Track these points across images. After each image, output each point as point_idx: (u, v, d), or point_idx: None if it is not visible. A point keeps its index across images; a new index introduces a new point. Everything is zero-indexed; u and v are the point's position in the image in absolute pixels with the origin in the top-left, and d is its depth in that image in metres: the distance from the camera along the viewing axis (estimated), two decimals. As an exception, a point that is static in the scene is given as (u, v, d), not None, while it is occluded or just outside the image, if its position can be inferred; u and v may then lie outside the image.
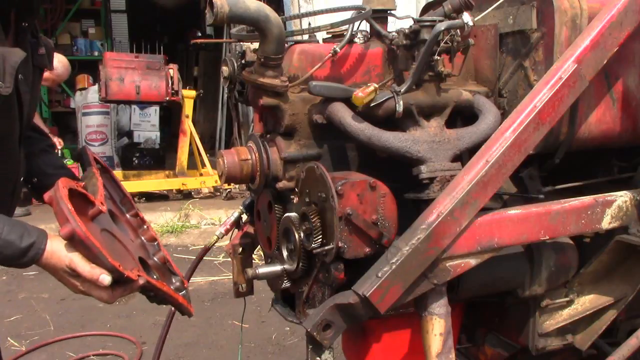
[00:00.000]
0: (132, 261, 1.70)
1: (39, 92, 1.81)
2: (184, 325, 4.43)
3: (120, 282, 1.57)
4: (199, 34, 12.88)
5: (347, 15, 1.98)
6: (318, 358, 1.72)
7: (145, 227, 1.95)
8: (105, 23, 12.23)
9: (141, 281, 1.59)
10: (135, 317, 4.74)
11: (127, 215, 1.92)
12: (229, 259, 2.28)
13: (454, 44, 1.85)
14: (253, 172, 1.90)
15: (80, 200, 1.62)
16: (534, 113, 1.77)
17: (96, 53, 11.62)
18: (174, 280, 1.84)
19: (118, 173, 8.03)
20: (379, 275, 1.64)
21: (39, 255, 1.54)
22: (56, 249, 1.56)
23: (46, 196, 1.55)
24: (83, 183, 1.75)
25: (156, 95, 7.85)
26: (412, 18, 1.91)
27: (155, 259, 1.88)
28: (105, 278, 1.52)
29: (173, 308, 1.86)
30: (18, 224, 1.55)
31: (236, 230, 2.35)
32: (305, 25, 2.10)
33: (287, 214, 1.84)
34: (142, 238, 1.90)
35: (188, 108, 8.39)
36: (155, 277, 1.75)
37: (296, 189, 1.85)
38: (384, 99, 1.82)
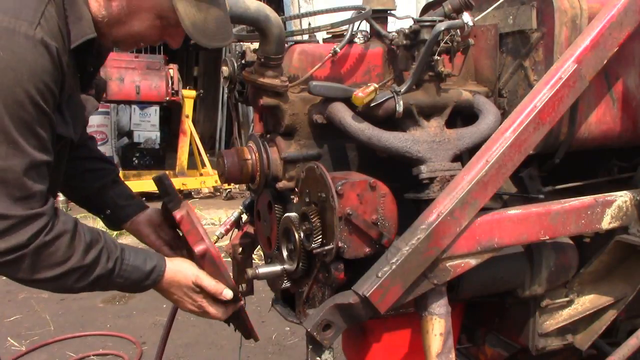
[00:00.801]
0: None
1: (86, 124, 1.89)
2: (184, 325, 4.43)
3: (229, 301, 1.69)
4: (199, 34, 12.85)
5: (347, 15, 1.98)
6: (318, 358, 1.72)
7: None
8: (106, 23, 12.20)
9: (242, 302, 1.73)
10: (135, 317, 4.74)
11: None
12: (229, 259, 2.28)
13: (454, 44, 1.85)
14: (253, 172, 1.90)
15: None
16: (534, 113, 1.77)
17: (96, 53, 11.60)
18: None
19: (118, 173, 8.02)
20: (379, 275, 1.64)
21: (160, 276, 1.63)
22: (181, 268, 1.66)
23: (177, 215, 1.65)
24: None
25: (156, 95, 7.86)
26: (412, 18, 1.91)
27: None
28: (228, 293, 1.65)
29: (237, 328, 1.93)
30: (140, 250, 1.63)
31: (236, 230, 2.35)
32: (305, 25, 2.10)
33: (287, 214, 1.84)
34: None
35: (188, 108, 8.40)
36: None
37: (296, 189, 1.85)
38: (384, 99, 1.82)
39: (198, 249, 1.60)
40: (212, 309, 1.69)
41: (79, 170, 1.93)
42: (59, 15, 1.42)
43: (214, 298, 1.69)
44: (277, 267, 1.90)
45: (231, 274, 2.13)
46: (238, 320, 1.82)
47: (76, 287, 1.50)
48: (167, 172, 8.77)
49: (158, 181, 1.86)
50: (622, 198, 1.95)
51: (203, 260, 1.64)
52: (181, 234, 1.85)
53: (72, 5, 1.45)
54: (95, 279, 1.50)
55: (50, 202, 1.45)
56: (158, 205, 1.94)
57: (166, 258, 1.68)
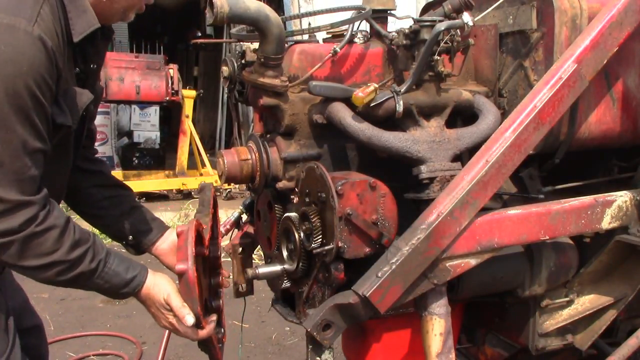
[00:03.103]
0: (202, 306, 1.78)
1: (92, 125, 1.96)
2: (184, 325, 4.44)
3: (198, 325, 1.70)
4: (199, 34, 12.88)
5: (347, 15, 1.98)
6: (318, 358, 1.72)
7: (219, 271, 2.00)
8: (106, 23, 12.21)
9: (205, 334, 1.72)
10: (135, 317, 4.74)
11: (210, 255, 1.99)
12: (229, 259, 2.28)
13: (454, 44, 1.85)
14: (253, 172, 1.90)
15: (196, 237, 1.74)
16: (534, 113, 1.77)
17: (96, 53, 11.59)
18: (216, 332, 1.89)
19: (118, 173, 8.03)
20: (379, 275, 1.64)
21: (140, 287, 1.68)
22: (158, 282, 1.71)
23: (178, 229, 1.69)
24: (208, 224, 1.84)
25: (156, 95, 7.85)
26: (412, 18, 1.91)
27: (214, 304, 1.92)
28: (189, 319, 1.65)
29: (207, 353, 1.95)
30: (125, 259, 1.68)
31: (236, 230, 2.35)
32: (305, 25, 2.10)
33: (287, 214, 1.84)
34: (212, 280, 1.96)
35: (188, 108, 8.40)
36: (216, 331, 1.85)
37: (296, 189, 1.85)
38: (384, 99, 1.82)
39: (179, 267, 1.61)
40: (182, 327, 1.70)
41: (97, 198, 1.98)
42: (53, 14, 1.50)
43: None
44: (277, 267, 1.90)
45: (232, 275, 2.14)
46: (206, 347, 1.84)
47: (57, 280, 1.55)
48: (167, 172, 8.79)
49: (200, 190, 1.93)
50: (622, 198, 1.95)
51: (181, 280, 1.65)
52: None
53: (73, 1, 1.53)
54: (77, 276, 1.55)
55: (44, 193, 1.50)
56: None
57: (150, 271, 1.72)
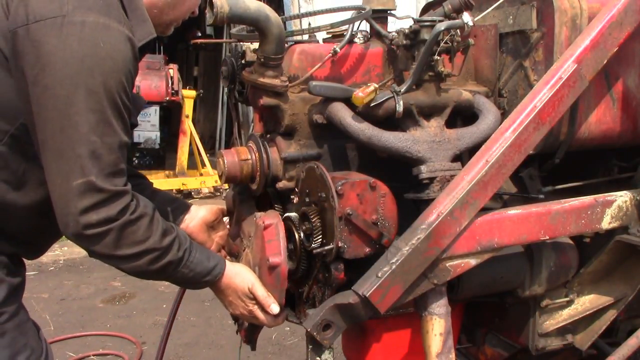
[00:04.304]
0: None
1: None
2: (184, 325, 4.44)
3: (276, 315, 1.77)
4: (199, 34, 12.89)
5: (347, 15, 1.98)
6: (318, 358, 1.72)
7: None
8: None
9: (280, 322, 1.81)
10: (135, 317, 4.75)
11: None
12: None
13: (454, 44, 1.85)
14: (253, 172, 1.90)
15: None
16: (534, 113, 1.77)
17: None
18: None
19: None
20: (379, 275, 1.64)
21: (221, 275, 1.72)
22: (240, 272, 1.77)
23: (267, 221, 1.74)
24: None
25: (156, 95, 7.86)
26: (412, 18, 1.91)
27: None
28: (275, 308, 1.74)
29: (246, 330, 2.07)
30: (204, 248, 1.75)
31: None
32: (305, 25, 2.10)
33: (287, 214, 1.84)
34: None
35: (188, 108, 8.40)
36: None
37: (296, 189, 1.85)
38: (384, 99, 1.82)
39: (274, 259, 1.69)
40: (261, 315, 1.76)
41: None
42: (126, 19, 1.58)
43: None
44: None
45: None
46: (254, 330, 1.96)
47: (147, 270, 1.57)
48: (167, 172, 8.79)
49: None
50: (622, 198, 1.95)
51: (270, 272, 1.71)
52: (249, 238, 1.91)
53: (135, 10, 1.60)
54: (167, 264, 1.58)
55: (130, 185, 1.55)
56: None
57: (227, 261, 1.77)
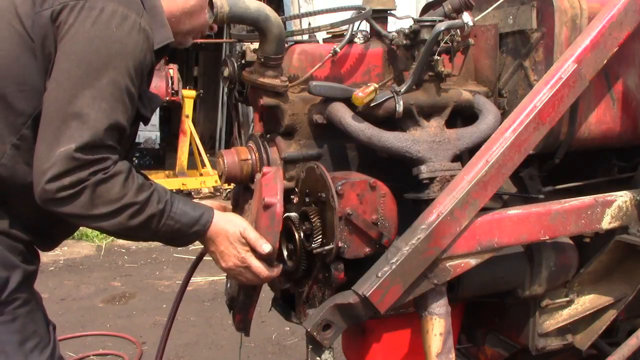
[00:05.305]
0: None
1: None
2: (184, 325, 4.44)
3: (267, 261, 1.72)
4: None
5: (347, 15, 1.98)
6: (318, 358, 1.72)
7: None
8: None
9: (275, 273, 1.74)
10: (135, 317, 4.74)
11: None
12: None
13: (454, 44, 1.85)
14: (253, 172, 1.90)
15: None
16: (534, 113, 1.77)
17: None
18: None
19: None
20: (379, 275, 1.64)
21: (209, 223, 1.66)
22: (231, 218, 1.72)
23: (265, 169, 1.76)
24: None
25: (156, 95, 7.84)
26: (412, 18, 1.91)
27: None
28: (266, 247, 1.67)
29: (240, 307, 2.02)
30: (188, 200, 1.70)
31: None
32: (305, 25, 2.10)
33: (287, 214, 1.83)
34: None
35: (188, 108, 8.40)
36: None
37: (296, 189, 1.85)
38: (384, 99, 1.82)
39: (269, 199, 1.66)
40: (255, 262, 1.69)
41: None
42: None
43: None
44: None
45: None
46: (249, 294, 1.88)
47: (130, 225, 1.55)
48: (167, 172, 8.79)
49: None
50: (622, 198, 1.95)
51: (265, 212, 1.68)
52: (249, 205, 1.89)
53: (155, 15, 1.64)
54: (148, 218, 1.56)
55: (120, 159, 1.55)
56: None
57: (215, 210, 1.71)
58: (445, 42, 1.83)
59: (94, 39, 1.48)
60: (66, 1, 1.49)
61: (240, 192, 2.11)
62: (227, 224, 1.69)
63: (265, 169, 1.77)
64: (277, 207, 1.66)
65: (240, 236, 1.68)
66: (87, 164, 1.47)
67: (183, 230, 1.63)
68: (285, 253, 1.86)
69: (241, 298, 1.97)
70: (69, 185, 1.46)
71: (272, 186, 1.69)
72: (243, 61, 1.92)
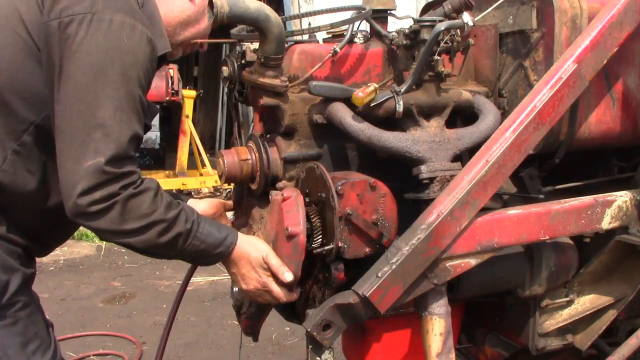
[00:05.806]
0: None
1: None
2: (184, 325, 4.44)
3: (291, 288, 1.76)
4: (199, 34, 12.85)
5: (347, 15, 1.98)
6: (318, 358, 1.72)
7: None
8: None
9: (294, 297, 1.78)
10: (135, 317, 4.74)
11: None
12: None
13: (454, 44, 1.85)
14: (253, 172, 1.90)
15: None
16: (534, 113, 1.77)
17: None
18: None
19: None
20: (379, 275, 1.64)
21: (233, 245, 1.69)
22: (254, 242, 1.75)
23: (286, 193, 1.75)
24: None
25: (156, 95, 7.83)
26: (412, 18, 1.91)
27: None
28: (289, 276, 1.70)
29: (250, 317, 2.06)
30: (213, 220, 1.74)
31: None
32: (305, 25, 2.10)
33: (287, 214, 1.83)
34: None
35: (188, 108, 8.39)
36: None
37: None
38: (384, 99, 1.82)
39: (293, 229, 1.67)
40: (276, 288, 1.72)
41: None
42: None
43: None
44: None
45: None
46: (261, 311, 1.93)
47: (159, 243, 1.56)
48: (167, 172, 8.78)
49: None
50: (622, 198, 1.95)
51: (288, 241, 1.69)
52: (260, 219, 1.90)
53: (154, 24, 1.65)
54: (176, 236, 1.58)
55: (139, 170, 1.57)
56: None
57: (239, 232, 1.74)
58: (445, 42, 1.83)
59: (108, 51, 1.49)
60: (74, 13, 1.49)
61: (244, 194, 2.11)
62: (250, 248, 1.72)
63: (285, 192, 1.76)
64: (300, 237, 1.68)
65: (263, 261, 1.72)
66: (116, 177, 1.48)
67: (207, 251, 1.66)
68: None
69: (253, 309, 1.99)
70: (100, 199, 1.47)
71: (294, 214, 1.70)
72: (243, 61, 1.92)
